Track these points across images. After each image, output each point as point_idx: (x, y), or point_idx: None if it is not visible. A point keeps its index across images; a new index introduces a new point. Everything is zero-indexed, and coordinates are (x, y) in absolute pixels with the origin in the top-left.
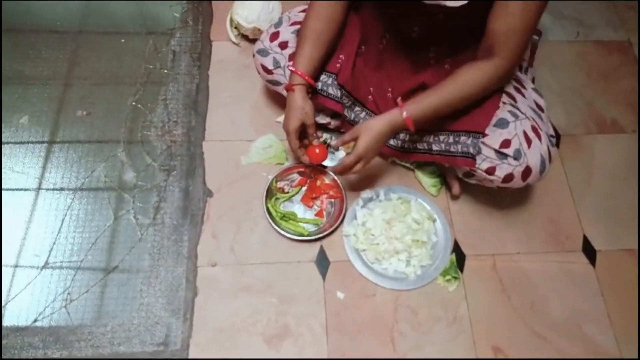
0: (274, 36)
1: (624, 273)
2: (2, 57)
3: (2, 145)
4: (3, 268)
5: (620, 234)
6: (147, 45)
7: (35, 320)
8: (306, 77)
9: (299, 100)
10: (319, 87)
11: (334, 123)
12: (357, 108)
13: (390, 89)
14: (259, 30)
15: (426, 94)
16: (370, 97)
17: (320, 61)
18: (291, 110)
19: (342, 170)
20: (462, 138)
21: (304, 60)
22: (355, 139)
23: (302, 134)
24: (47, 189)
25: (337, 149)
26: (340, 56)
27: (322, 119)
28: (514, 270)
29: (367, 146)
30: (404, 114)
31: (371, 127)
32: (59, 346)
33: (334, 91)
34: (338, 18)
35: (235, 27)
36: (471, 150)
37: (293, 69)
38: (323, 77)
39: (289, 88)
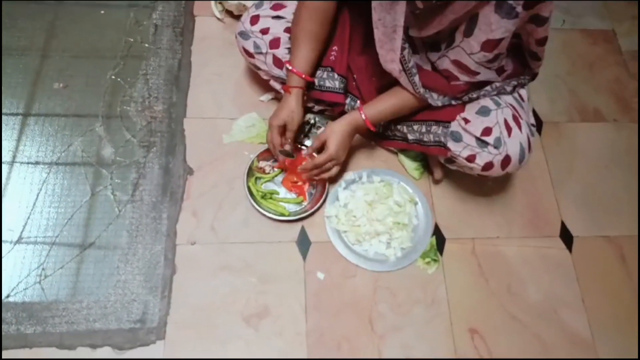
0: (254, 19)
1: (599, 259)
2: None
3: None
4: None
5: (598, 221)
6: (128, 18)
7: (8, 296)
8: (303, 75)
9: (292, 104)
10: (316, 83)
11: (317, 107)
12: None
13: (374, 78)
14: (244, 6)
15: (385, 96)
16: (353, 82)
17: (317, 60)
18: (282, 110)
19: (314, 168)
20: (433, 127)
21: (302, 62)
22: (323, 144)
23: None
24: (22, 163)
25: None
26: (334, 48)
27: (307, 103)
28: (493, 254)
29: (337, 146)
30: (363, 116)
31: (336, 130)
32: (32, 322)
33: (331, 83)
34: (330, 17)
35: (220, 2)
36: (442, 139)
37: (290, 67)
38: (318, 72)
39: (286, 89)
